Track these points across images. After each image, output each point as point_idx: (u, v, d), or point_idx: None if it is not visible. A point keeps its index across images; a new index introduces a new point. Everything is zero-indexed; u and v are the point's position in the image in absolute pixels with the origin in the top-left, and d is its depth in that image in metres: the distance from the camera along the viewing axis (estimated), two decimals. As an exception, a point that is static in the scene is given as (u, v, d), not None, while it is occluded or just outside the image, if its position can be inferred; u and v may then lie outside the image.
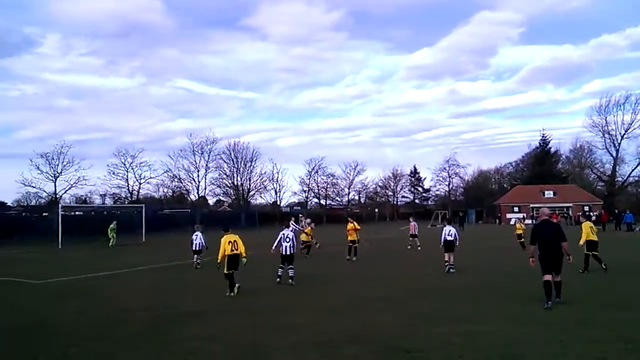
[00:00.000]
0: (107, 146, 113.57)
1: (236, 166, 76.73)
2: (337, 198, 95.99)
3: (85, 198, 73.73)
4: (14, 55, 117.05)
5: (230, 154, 75.89)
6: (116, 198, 72.91)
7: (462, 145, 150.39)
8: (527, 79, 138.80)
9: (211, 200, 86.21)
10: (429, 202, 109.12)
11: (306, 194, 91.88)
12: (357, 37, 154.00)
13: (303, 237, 24.21)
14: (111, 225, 34.94)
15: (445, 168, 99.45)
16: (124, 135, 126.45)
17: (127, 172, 68.95)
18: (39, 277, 17.20)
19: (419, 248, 26.53)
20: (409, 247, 27.59)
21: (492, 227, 64.08)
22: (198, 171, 71.74)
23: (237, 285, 12.78)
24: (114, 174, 68.17)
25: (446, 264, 16.84)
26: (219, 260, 12.99)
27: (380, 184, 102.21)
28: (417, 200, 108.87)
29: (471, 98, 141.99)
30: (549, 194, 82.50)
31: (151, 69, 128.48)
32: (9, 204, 75.85)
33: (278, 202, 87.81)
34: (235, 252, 12.92)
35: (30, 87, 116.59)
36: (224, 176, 76.85)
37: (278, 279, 14.88)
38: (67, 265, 21.02)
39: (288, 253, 14.95)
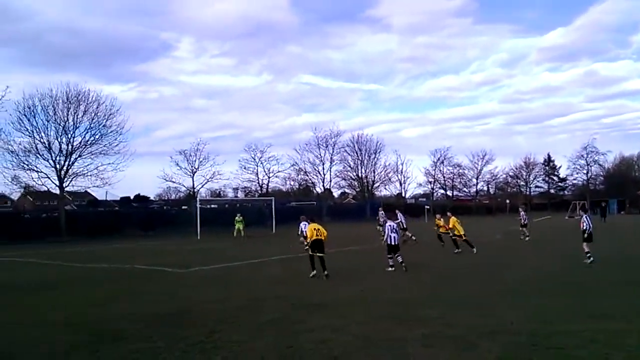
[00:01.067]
0: (238, 142, 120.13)
1: (360, 158, 77.09)
2: (465, 189, 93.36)
3: (219, 192, 78.06)
4: (153, 59, 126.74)
5: (354, 146, 76.39)
6: (247, 191, 76.37)
7: (601, 130, 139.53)
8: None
9: (336, 193, 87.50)
10: (566, 192, 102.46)
11: (432, 185, 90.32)
12: (482, 22, 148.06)
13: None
14: (237, 218, 36.42)
15: (583, 155, 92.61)
16: (253, 131, 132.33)
17: (257, 166, 71.93)
18: (182, 266, 18.49)
19: (527, 239, 26.17)
20: (521, 237, 26.82)
21: (636, 217, 58.89)
22: (323, 164, 73.10)
23: (325, 272, 14.49)
24: (245, 168, 71.47)
25: (587, 254, 15.90)
26: (306, 243, 15.96)
27: (511, 173, 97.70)
28: (552, 190, 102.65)
29: (611, 79, 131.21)
30: None
31: (277, 66, 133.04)
32: (151, 198, 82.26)
33: (403, 194, 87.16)
34: (318, 237, 15.06)
35: (168, 89, 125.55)
36: (349, 168, 77.59)
37: (391, 268, 15.58)
38: (206, 255, 22.37)
39: (394, 243, 15.97)
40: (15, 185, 46.37)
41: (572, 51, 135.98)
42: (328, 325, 8.85)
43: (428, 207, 59.93)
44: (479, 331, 8.08)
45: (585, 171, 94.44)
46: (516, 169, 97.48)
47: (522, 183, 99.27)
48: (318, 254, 14.90)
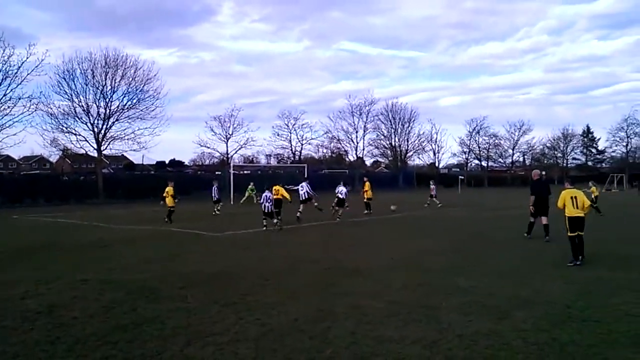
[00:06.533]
0: (275, 109, 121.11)
1: (394, 127, 76.53)
2: (500, 159, 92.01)
3: (252, 158, 78.69)
4: (194, 24, 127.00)
5: (389, 114, 75.80)
6: (280, 158, 76.80)
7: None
8: None
9: (369, 161, 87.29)
10: (604, 164, 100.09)
11: (466, 155, 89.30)
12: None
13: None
14: (250, 187, 37.06)
15: (623, 127, 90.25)
16: (290, 98, 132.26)
17: (290, 133, 72.11)
18: (217, 230, 18.77)
19: (439, 205, 30.94)
20: (425, 205, 31.55)
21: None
22: (356, 132, 72.74)
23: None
24: (278, 135, 71.78)
25: None
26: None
27: (548, 144, 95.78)
28: (589, 163, 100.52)
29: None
30: None
31: (317, 32, 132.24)
32: (186, 163, 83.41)
33: (436, 164, 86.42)
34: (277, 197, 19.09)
35: (207, 54, 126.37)
36: (382, 137, 77.15)
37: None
38: (240, 220, 22.63)
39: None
40: (55, 147, 47.73)
41: (624, 19, 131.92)
42: (362, 290, 8.88)
43: (462, 177, 59.34)
44: (515, 302, 8.01)
45: (625, 143, 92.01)
46: (554, 140, 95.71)
47: (559, 155, 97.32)
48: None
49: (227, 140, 63.89)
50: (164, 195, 22.60)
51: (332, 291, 8.85)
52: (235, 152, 66.07)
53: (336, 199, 22.91)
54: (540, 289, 8.97)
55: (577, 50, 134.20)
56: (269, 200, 18.43)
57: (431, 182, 34.50)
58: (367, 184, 26.43)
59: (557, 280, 9.73)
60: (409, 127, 77.59)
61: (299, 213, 21.40)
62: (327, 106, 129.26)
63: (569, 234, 11.55)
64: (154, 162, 68.50)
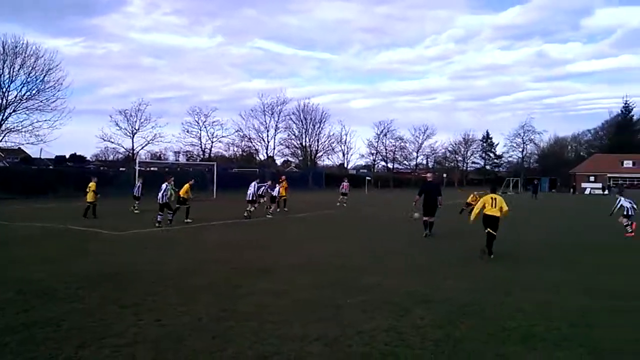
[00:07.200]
0: (186, 104, 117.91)
1: (305, 127, 77.18)
2: (405, 162, 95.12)
3: (160, 155, 76.46)
4: (103, 14, 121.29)
5: (300, 114, 76.38)
6: (189, 155, 75.14)
7: (542, 110, 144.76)
8: (621, 41, 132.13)
9: (279, 161, 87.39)
10: (501, 168, 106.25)
11: (374, 156, 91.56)
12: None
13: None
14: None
15: (519, 134, 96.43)
16: (202, 94, 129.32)
17: (200, 130, 70.73)
18: (119, 228, 18.05)
19: (345, 205, 31.55)
20: (337, 204, 32.10)
21: (565, 196, 61.76)
22: (267, 131, 72.70)
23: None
24: (187, 132, 70.21)
25: None
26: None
27: (450, 148, 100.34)
28: (487, 167, 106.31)
29: (559, 61, 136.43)
30: (627, 164, 78.80)
31: (231, 28, 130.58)
32: (87, 158, 79.68)
33: (345, 164, 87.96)
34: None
35: (116, 45, 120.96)
36: (293, 137, 77.57)
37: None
38: (144, 218, 21.94)
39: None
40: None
41: (526, 31, 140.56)
42: (268, 290, 8.87)
43: (369, 178, 60.75)
44: (416, 299, 8.32)
45: (520, 149, 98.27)
46: (455, 144, 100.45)
47: (459, 158, 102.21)
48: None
49: (133, 136, 61.93)
50: (87, 190, 22.38)
51: (237, 291, 8.78)
52: (142, 148, 64.17)
53: (270, 197, 24.66)
54: (441, 286, 9.39)
55: (481, 59, 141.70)
56: (165, 193, 18.97)
57: (345, 180, 35.23)
58: (285, 182, 26.96)
59: (456, 278, 10.23)
60: (320, 128, 78.66)
61: (246, 212, 22.38)
62: (240, 104, 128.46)
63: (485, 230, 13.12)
64: (54, 157, 64.76)
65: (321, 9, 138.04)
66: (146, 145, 63.56)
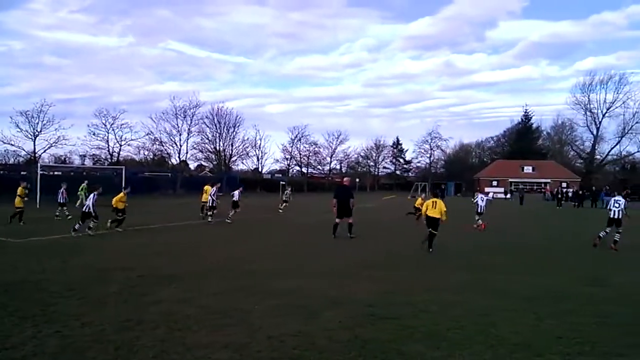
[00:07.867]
0: (94, 106, 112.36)
1: (219, 131, 75.95)
2: (319, 167, 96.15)
3: (64, 158, 72.83)
4: (4, 10, 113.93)
5: (214, 118, 74.97)
6: (96, 159, 71.96)
7: (448, 118, 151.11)
8: (522, 53, 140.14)
9: (192, 165, 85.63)
10: (410, 173, 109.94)
11: (288, 161, 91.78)
12: (355, 4, 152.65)
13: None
14: (82, 185, 34.18)
15: (427, 140, 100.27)
16: (111, 96, 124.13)
17: (108, 133, 67.86)
18: (17, 235, 17.00)
19: (281, 212, 31.81)
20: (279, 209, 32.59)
21: (469, 200, 64.62)
22: (180, 135, 70.83)
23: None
24: (94, 134, 67.00)
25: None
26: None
27: (362, 154, 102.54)
28: (397, 172, 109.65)
29: (465, 71, 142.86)
30: (528, 169, 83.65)
31: (143, 28, 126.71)
32: (-18, 161, 74.59)
33: (260, 169, 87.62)
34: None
35: (18, 43, 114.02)
36: (206, 141, 76.10)
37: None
38: (46, 225, 20.82)
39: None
40: None
41: (435, 41, 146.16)
42: (175, 297, 8.69)
43: (284, 182, 60.87)
44: (325, 302, 8.43)
45: (428, 155, 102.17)
46: (367, 149, 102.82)
47: (371, 163, 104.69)
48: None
49: (35, 138, 58.54)
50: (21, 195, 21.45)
51: (143, 299, 8.52)
52: (44, 151, 60.79)
53: (232, 202, 24.64)
54: (350, 289, 9.56)
55: (392, 68, 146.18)
56: (94, 202, 17.88)
57: (286, 186, 36.69)
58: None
59: (365, 280, 10.48)
60: (234, 132, 77.64)
61: (210, 217, 23.19)
62: (152, 106, 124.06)
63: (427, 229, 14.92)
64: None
65: (236, 12, 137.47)
66: (49, 148, 60.20)
